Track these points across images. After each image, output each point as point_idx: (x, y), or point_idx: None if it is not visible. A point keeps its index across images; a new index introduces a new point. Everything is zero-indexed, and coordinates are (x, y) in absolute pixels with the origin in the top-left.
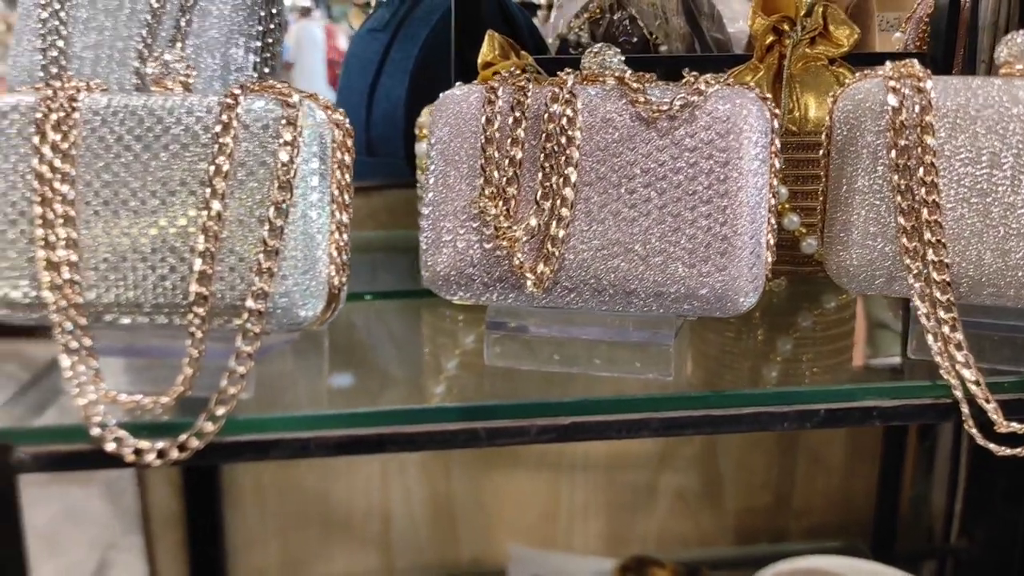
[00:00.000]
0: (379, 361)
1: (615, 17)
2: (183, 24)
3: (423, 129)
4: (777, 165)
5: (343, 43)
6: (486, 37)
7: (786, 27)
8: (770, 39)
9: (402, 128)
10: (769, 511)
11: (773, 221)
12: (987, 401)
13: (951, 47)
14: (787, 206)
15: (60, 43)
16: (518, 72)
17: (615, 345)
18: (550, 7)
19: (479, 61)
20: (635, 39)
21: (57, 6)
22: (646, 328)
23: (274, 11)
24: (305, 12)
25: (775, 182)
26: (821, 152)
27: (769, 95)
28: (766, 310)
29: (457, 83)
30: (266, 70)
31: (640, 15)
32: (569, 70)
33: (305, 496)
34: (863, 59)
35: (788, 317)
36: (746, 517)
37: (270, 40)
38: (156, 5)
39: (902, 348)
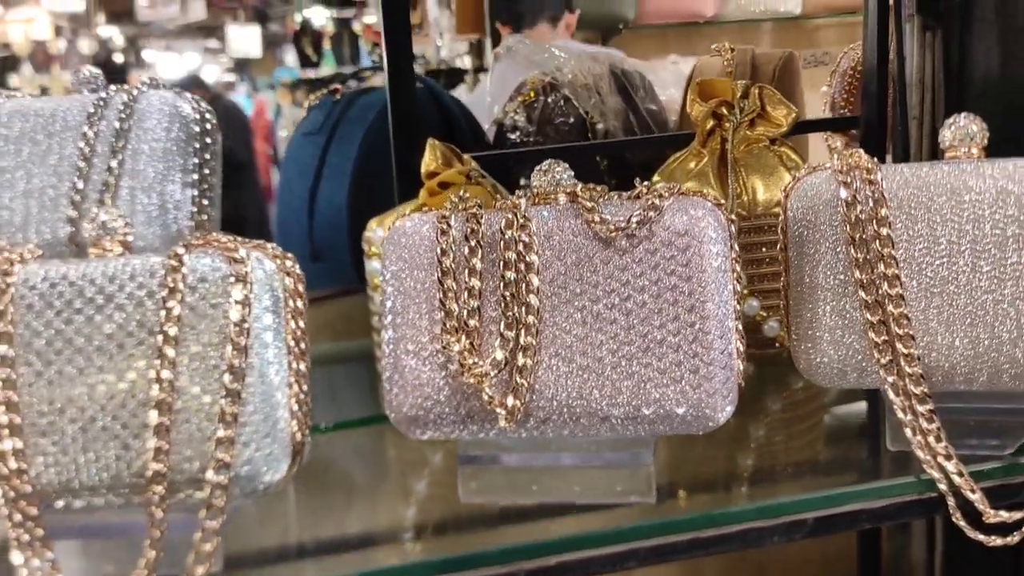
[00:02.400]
0: (349, 505)
1: (549, 99)
2: (115, 166)
3: (372, 246)
4: (738, 269)
5: (271, 115)
6: (427, 146)
7: (724, 111)
8: (710, 124)
9: (346, 233)
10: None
11: (740, 327)
12: (972, 491)
13: (883, 110)
14: (746, 292)
15: None
16: (467, 197)
17: (593, 470)
18: (477, 71)
19: (422, 171)
20: (571, 119)
21: None
22: (623, 450)
23: (208, 140)
24: (229, 86)
25: (739, 287)
26: (779, 247)
27: (723, 201)
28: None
29: (406, 209)
30: (204, 202)
31: (574, 95)
32: (520, 192)
33: None
34: (800, 127)
35: (761, 409)
36: None
37: (207, 171)
38: (85, 148)
39: (881, 440)
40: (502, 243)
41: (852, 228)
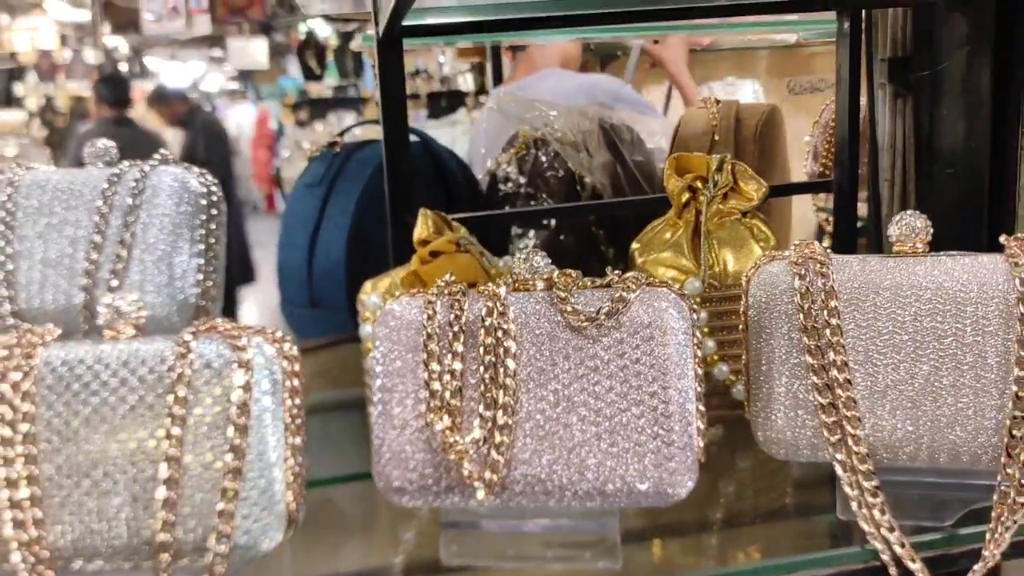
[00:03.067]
0: (339, 556)
1: (540, 153)
2: (127, 238)
3: (365, 310)
4: (699, 354)
5: (273, 125)
6: (419, 215)
7: (699, 185)
8: (686, 197)
9: (344, 284)
10: None
11: (702, 407)
12: (913, 561)
13: (855, 176)
14: (716, 357)
15: (8, 267)
16: (452, 281)
17: (564, 537)
18: (478, 93)
19: (415, 238)
20: (561, 172)
21: (2, 228)
22: (591, 519)
23: (214, 212)
24: (233, 95)
25: (700, 370)
26: (740, 327)
27: (686, 294)
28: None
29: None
30: (210, 269)
31: (563, 151)
32: (500, 281)
33: None
34: (777, 190)
35: (728, 469)
36: None
37: (212, 240)
38: (100, 221)
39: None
40: (482, 330)
41: (805, 317)
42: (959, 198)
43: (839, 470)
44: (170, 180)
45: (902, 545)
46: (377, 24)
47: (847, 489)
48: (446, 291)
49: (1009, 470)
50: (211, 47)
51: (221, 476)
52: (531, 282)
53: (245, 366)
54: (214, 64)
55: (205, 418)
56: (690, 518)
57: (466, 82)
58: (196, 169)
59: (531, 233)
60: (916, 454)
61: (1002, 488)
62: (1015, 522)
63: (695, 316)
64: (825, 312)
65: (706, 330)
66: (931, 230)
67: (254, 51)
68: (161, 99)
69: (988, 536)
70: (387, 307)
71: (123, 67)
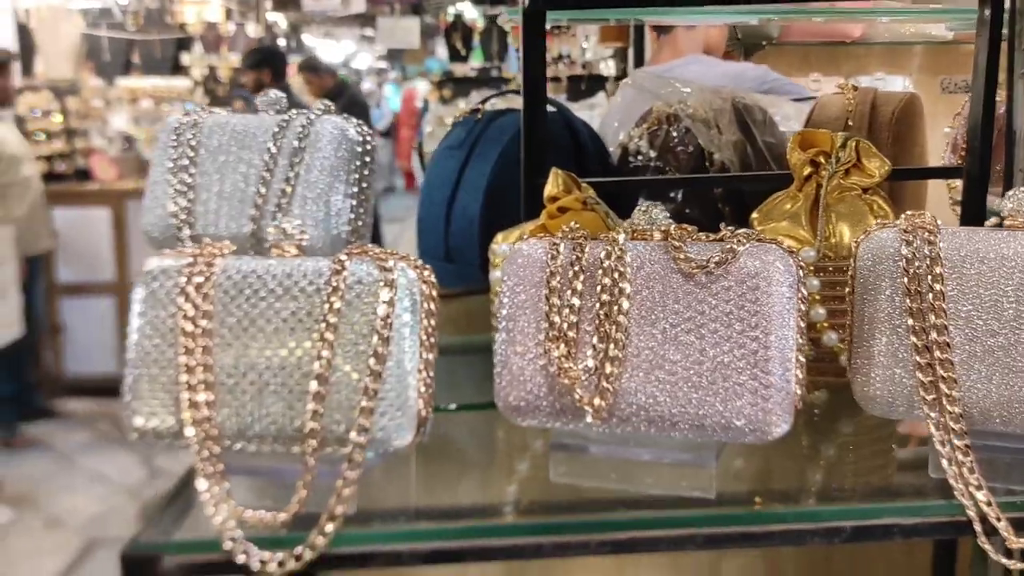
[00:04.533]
0: (459, 475)
1: (671, 129)
2: (291, 176)
3: (496, 257)
4: (803, 308)
5: (419, 103)
6: (551, 174)
7: (822, 160)
8: (808, 171)
9: (477, 240)
10: None
11: (802, 358)
12: (998, 520)
13: (986, 164)
14: (826, 324)
15: (189, 196)
16: (577, 227)
17: (664, 466)
18: (619, 78)
19: (545, 195)
20: (691, 148)
21: (186, 163)
22: (690, 451)
23: (367, 159)
24: (381, 72)
25: (803, 323)
26: (847, 290)
27: (794, 249)
28: (807, 423)
29: (528, 228)
30: (361, 210)
31: (694, 128)
32: (621, 229)
33: None
34: (903, 174)
35: (824, 432)
36: None
37: (364, 184)
38: (269, 161)
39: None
40: (600, 270)
41: (910, 281)
42: None
43: (932, 428)
44: (331, 128)
45: (988, 503)
46: None
47: (938, 447)
48: (570, 235)
49: None
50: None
51: (364, 377)
52: (649, 232)
53: (390, 284)
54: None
55: (353, 327)
56: (790, 465)
57: (608, 67)
58: (354, 120)
59: (659, 206)
60: (1010, 419)
61: None
62: None
63: (801, 272)
64: (930, 277)
65: (817, 297)
66: None
67: (404, 31)
68: (311, 68)
69: None
70: (515, 246)
71: (281, 42)
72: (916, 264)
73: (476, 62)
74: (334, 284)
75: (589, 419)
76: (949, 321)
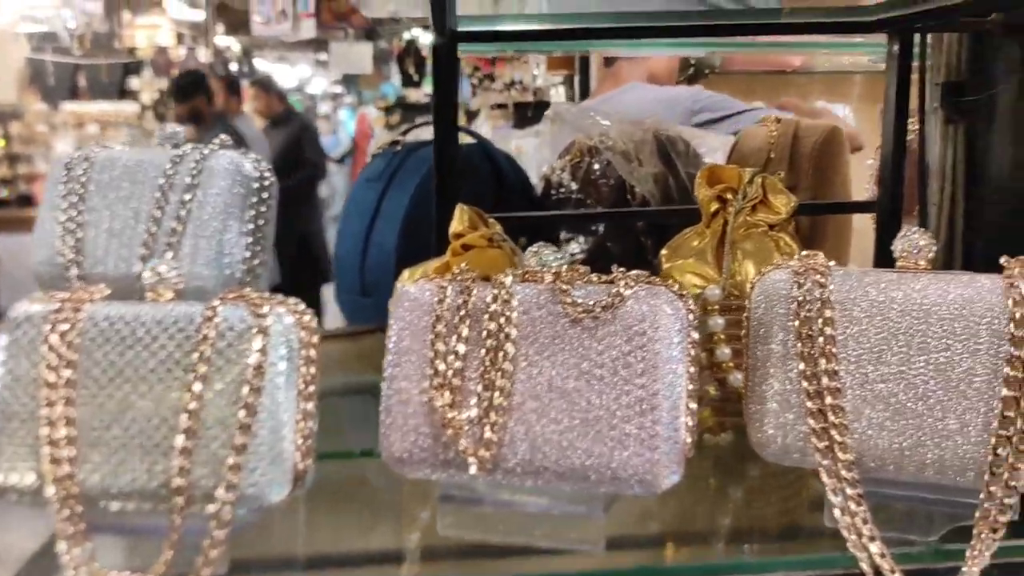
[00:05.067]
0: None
1: (593, 161)
2: (183, 215)
3: None
4: (693, 354)
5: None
6: (456, 210)
7: (729, 196)
8: (715, 207)
9: (394, 274)
10: None
11: (692, 405)
12: (892, 572)
13: (898, 198)
14: (731, 364)
15: (78, 235)
16: (467, 269)
17: (555, 516)
18: (584, 95)
19: (450, 231)
20: (612, 181)
21: (75, 199)
22: (580, 503)
23: (264, 196)
24: (336, 97)
25: (693, 369)
26: (742, 332)
27: (684, 292)
28: (714, 464)
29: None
30: (257, 248)
31: (614, 159)
32: (509, 272)
33: None
34: (818, 208)
35: (730, 475)
36: None
37: (261, 222)
38: (160, 198)
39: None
40: (487, 315)
41: (800, 324)
42: (1007, 224)
43: (824, 476)
44: (226, 163)
45: (882, 555)
46: (433, 27)
47: (831, 496)
48: (458, 277)
49: (992, 488)
50: (317, 51)
51: (233, 431)
52: (540, 274)
53: (263, 331)
54: (320, 67)
55: (224, 377)
56: (684, 514)
57: (557, 94)
58: (252, 155)
59: (580, 239)
60: (903, 466)
61: (984, 506)
62: (995, 541)
63: (692, 316)
64: (820, 320)
65: (722, 336)
66: (934, 249)
67: (358, 56)
68: (262, 85)
69: (968, 553)
70: (403, 289)
71: (233, 67)
72: (807, 307)
73: (428, 87)
74: (204, 332)
75: (473, 470)
76: (840, 365)
